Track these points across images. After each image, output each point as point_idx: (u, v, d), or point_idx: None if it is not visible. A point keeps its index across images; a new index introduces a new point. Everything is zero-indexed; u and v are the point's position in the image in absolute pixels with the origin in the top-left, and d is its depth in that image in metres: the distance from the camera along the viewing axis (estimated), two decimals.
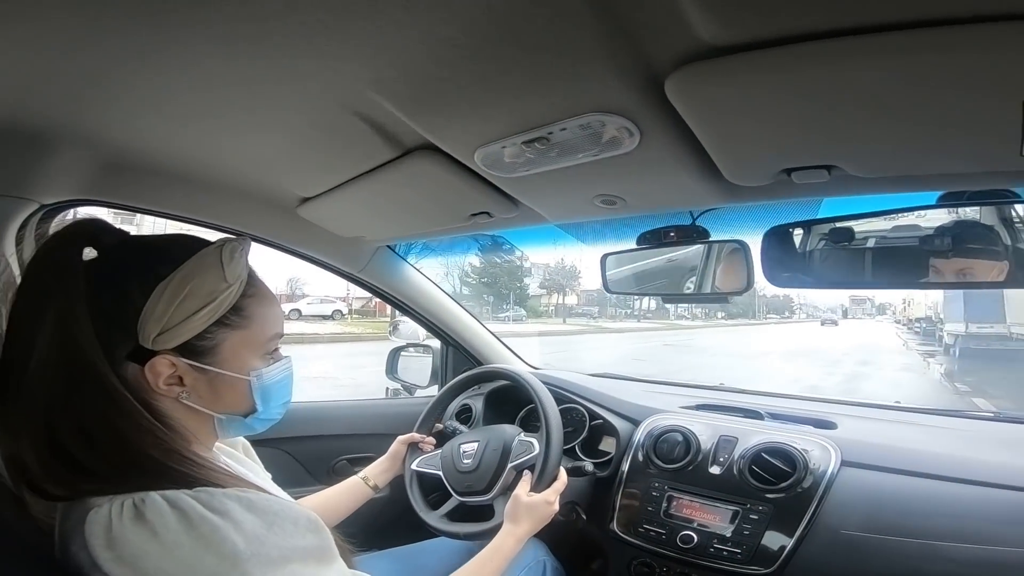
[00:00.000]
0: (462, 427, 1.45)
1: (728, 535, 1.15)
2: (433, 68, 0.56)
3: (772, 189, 0.80)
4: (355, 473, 1.21)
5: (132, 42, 0.54)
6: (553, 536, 1.28)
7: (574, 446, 1.44)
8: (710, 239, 0.95)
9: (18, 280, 0.58)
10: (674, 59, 0.54)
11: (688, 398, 1.54)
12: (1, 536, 0.56)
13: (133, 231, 0.63)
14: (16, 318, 0.55)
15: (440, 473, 1.25)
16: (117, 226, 0.62)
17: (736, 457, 1.21)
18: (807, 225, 0.88)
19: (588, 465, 1.29)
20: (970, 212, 0.80)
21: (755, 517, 1.14)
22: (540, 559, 1.22)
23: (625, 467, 1.34)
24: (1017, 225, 0.77)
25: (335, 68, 0.58)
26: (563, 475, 1.14)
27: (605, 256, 1.16)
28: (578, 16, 0.47)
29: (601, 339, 15.90)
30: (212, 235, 0.68)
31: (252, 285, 0.65)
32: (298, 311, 17.86)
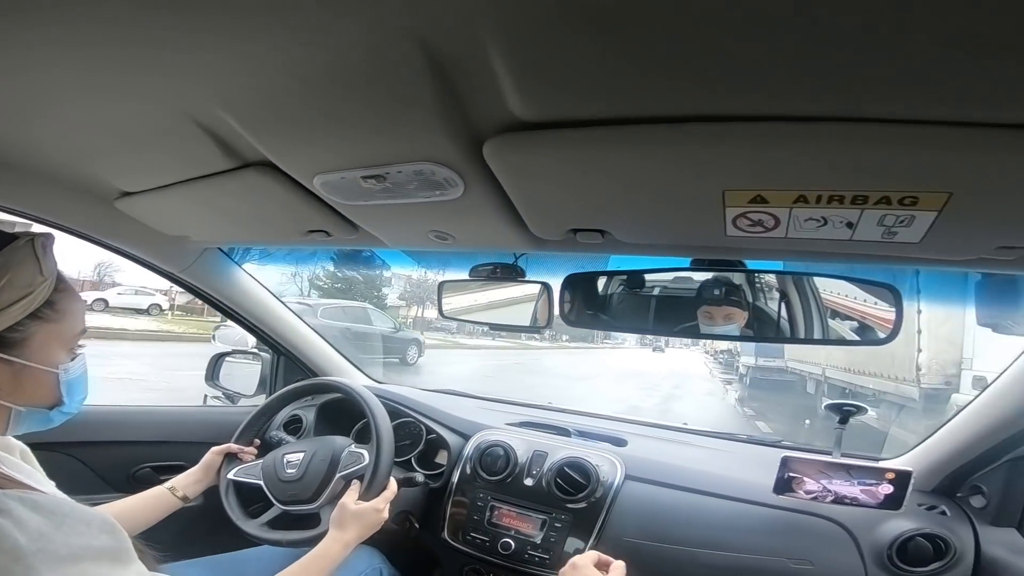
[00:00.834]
0: (289, 437, 1.43)
1: (539, 542, 1.28)
2: (280, 96, 0.58)
3: (565, 244, 0.91)
4: (161, 482, 1.15)
5: None
6: (390, 545, 1.34)
7: (410, 458, 1.49)
8: (525, 279, 1.07)
9: None
10: (492, 127, 0.61)
11: (515, 415, 1.68)
12: None
13: None
14: None
15: (260, 482, 1.23)
16: None
17: (545, 470, 1.36)
18: (603, 274, 1.03)
19: (419, 476, 1.35)
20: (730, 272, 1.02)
21: (559, 525, 1.28)
22: (376, 567, 1.26)
23: (455, 478, 1.43)
24: (755, 286, 1.01)
25: (179, 80, 0.58)
26: (393, 485, 1.18)
27: (442, 283, 1.23)
28: (418, 76, 0.52)
29: (457, 355, 16.05)
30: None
31: (61, 280, 0.66)
32: (104, 301, 15.14)
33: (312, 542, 1.03)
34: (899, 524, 1.14)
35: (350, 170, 0.73)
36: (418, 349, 12.19)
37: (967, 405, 1.16)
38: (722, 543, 1.20)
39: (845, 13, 0.36)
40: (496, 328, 1.23)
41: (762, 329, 0.98)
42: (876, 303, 0.91)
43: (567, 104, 0.53)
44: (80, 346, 0.71)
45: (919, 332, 5.92)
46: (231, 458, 1.29)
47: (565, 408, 1.85)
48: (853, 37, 0.38)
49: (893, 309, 0.86)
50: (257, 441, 1.39)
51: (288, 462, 1.23)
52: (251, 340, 1.83)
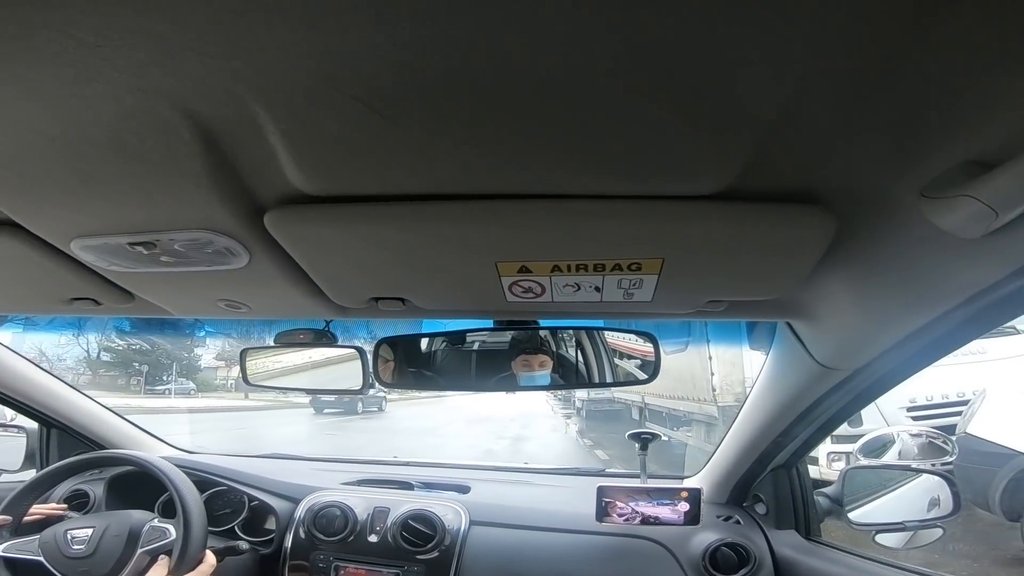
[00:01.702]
0: (70, 514, 1.30)
1: None
2: (25, 154, 0.51)
3: (368, 311, 0.90)
4: None
5: None
6: None
7: (232, 527, 1.42)
8: (337, 343, 1.07)
9: None
10: (274, 198, 0.59)
11: (352, 473, 1.66)
12: None
13: None
14: None
15: (41, 559, 1.11)
16: None
17: (389, 524, 1.37)
18: (416, 336, 1.08)
19: (243, 544, 1.29)
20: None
21: None
22: None
23: (288, 543, 1.38)
24: (557, 336, 1.15)
25: None
26: (210, 557, 1.12)
27: (244, 351, 1.17)
28: (186, 145, 0.48)
29: (290, 415, 14.61)
30: None
31: None
32: None
33: None
34: (706, 536, 1.31)
35: (114, 236, 0.65)
36: None
37: (732, 424, 1.37)
38: (564, 574, 1.30)
39: (567, 111, 0.42)
40: (313, 393, 1.19)
41: (567, 375, 1.11)
42: (647, 343, 1.09)
43: (347, 180, 0.53)
44: None
45: (710, 358, 6.96)
46: None
47: (407, 461, 1.86)
48: (573, 128, 0.44)
49: (652, 351, 1.06)
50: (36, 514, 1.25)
51: (73, 537, 1.12)
52: (9, 412, 1.61)
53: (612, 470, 1.87)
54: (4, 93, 0.42)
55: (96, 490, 1.41)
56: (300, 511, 1.43)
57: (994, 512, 3.44)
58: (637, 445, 1.48)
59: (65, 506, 1.24)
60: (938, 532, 1.31)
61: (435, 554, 1.33)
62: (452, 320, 1.00)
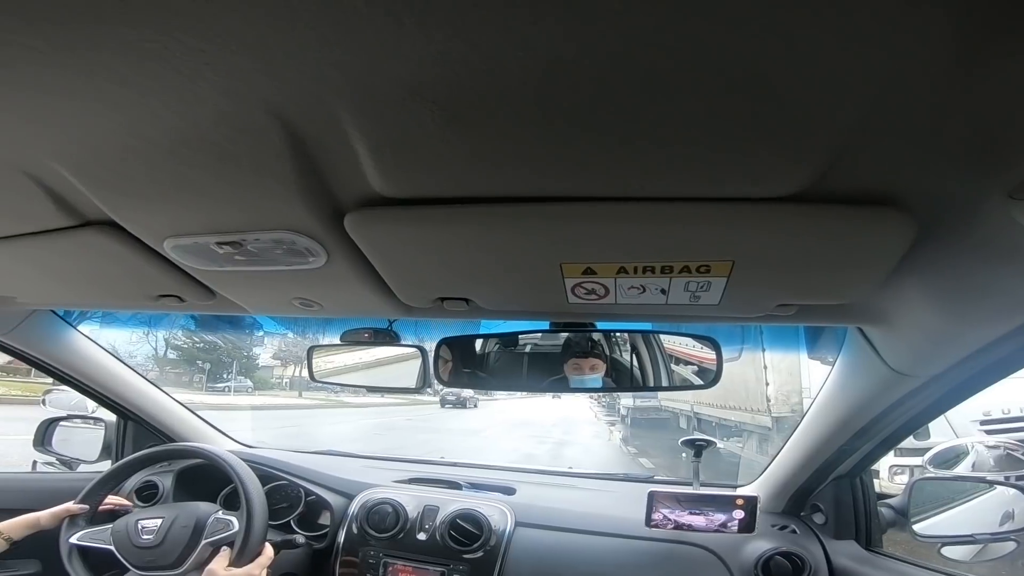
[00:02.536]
0: (139, 504, 1.38)
1: None
2: (127, 157, 0.55)
3: (433, 311, 0.93)
4: None
5: None
6: None
7: (288, 521, 1.46)
8: (400, 343, 1.10)
9: None
10: (353, 201, 0.61)
11: (402, 472, 1.69)
12: None
13: None
14: None
15: (111, 547, 1.17)
16: None
17: (438, 523, 1.38)
18: (474, 336, 1.09)
19: (300, 538, 1.33)
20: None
21: None
22: None
23: (341, 538, 1.41)
24: (611, 340, 1.14)
25: (11, 132, 0.53)
26: (268, 550, 1.16)
27: (312, 348, 1.22)
28: (276, 149, 0.51)
29: (341, 414, 15.10)
30: None
31: None
32: None
33: None
34: (759, 545, 1.28)
35: (204, 235, 0.69)
36: None
37: (793, 432, 1.33)
38: None
39: (640, 114, 0.43)
40: (373, 391, 1.23)
41: (620, 379, 1.10)
42: (711, 350, 1.07)
43: (423, 183, 0.55)
44: None
45: (765, 368, 6.73)
46: (71, 522, 1.21)
47: (455, 462, 1.88)
48: (646, 131, 0.45)
49: (715, 356, 1.03)
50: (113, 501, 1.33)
51: (143, 528, 1.18)
52: (91, 404, 1.70)
53: (661, 477, 1.83)
54: (119, 97, 0.45)
55: (165, 482, 1.47)
56: (354, 507, 1.46)
57: None
58: (691, 452, 1.44)
59: (129, 503, 1.31)
60: (1011, 546, 1.24)
61: (480, 554, 1.33)
62: (507, 321, 1.01)
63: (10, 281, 1.05)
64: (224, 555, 1.11)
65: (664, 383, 1.10)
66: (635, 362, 1.10)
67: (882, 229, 0.56)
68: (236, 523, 1.19)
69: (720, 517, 1.32)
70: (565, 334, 1.07)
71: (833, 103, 0.41)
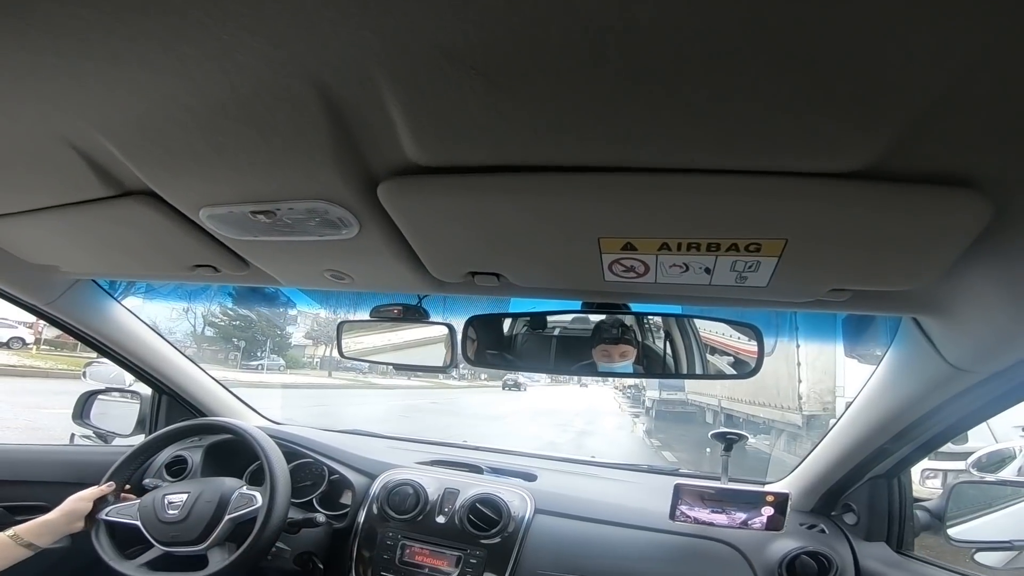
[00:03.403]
0: (168, 478, 1.39)
1: None
2: (164, 125, 0.56)
3: (463, 286, 0.91)
4: (17, 523, 1.09)
5: None
6: None
7: (311, 499, 1.47)
8: (428, 320, 1.08)
9: None
10: (387, 169, 0.61)
11: (425, 454, 1.68)
12: None
13: None
14: None
15: (137, 523, 1.18)
16: None
17: (457, 507, 1.37)
18: (503, 315, 1.07)
19: (320, 517, 1.33)
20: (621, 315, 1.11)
21: (474, 561, 1.30)
22: None
23: (361, 518, 1.41)
24: (644, 326, 1.10)
25: (54, 101, 0.54)
26: None
27: (342, 323, 1.22)
28: (313, 117, 0.51)
29: (369, 395, 15.45)
30: None
31: None
32: None
33: None
34: (785, 543, 1.24)
35: (239, 204, 0.70)
36: None
37: (829, 430, 1.28)
38: (630, 570, 1.26)
39: (694, 80, 0.41)
40: (400, 368, 1.22)
41: (651, 366, 1.06)
42: (750, 340, 1.02)
43: (459, 151, 0.55)
44: None
45: (799, 365, 6.57)
46: (101, 499, 1.23)
47: (477, 446, 1.87)
48: (699, 98, 0.43)
49: (755, 346, 0.98)
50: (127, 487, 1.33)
51: (170, 503, 1.19)
52: (128, 378, 1.73)
53: (686, 471, 1.78)
54: (161, 64, 0.46)
55: (194, 457, 1.49)
56: (376, 487, 1.46)
57: None
58: (721, 445, 1.39)
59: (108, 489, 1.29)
60: None
61: (498, 540, 1.32)
62: (540, 300, 0.98)
63: (53, 250, 1.08)
64: None
65: (698, 371, 1.05)
66: (668, 348, 1.06)
67: (953, 211, 0.52)
68: (259, 498, 1.19)
69: (745, 515, 1.28)
70: (595, 318, 1.04)
71: (912, 75, 0.38)
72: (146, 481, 1.42)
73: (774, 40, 0.36)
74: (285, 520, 1.18)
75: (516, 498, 1.39)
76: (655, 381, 12.12)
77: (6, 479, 1.43)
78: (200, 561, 1.15)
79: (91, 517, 1.20)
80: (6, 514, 1.38)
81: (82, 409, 1.73)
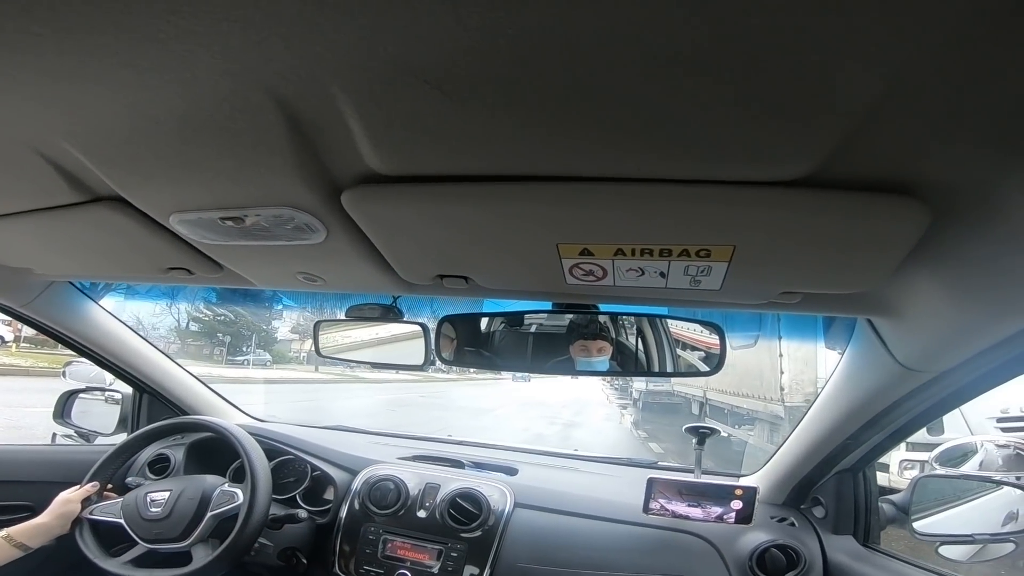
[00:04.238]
0: (151, 476, 1.41)
1: (436, 571, 1.31)
2: (132, 135, 0.56)
3: (433, 288, 0.93)
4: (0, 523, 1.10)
5: None
6: None
7: (294, 495, 1.49)
8: (403, 319, 1.10)
9: None
10: (350, 178, 0.62)
11: (407, 449, 1.71)
12: None
13: None
14: None
15: (120, 520, 1.20)
16: None
17: (438, 501, 1.40)
18: (476, 315, 1.08)
19: (302, 513, 1.36)
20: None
21: (455, 554, 1.33)
22: None
23: (344, 514, 1.44)
24: (617, 323, 1.12)
25: (19, 108, 0.54)
26: None
27: (318, 323, 1.24)
28: (273, 127, 0.52)
29: (356, 389, 15.38)
30: None
31: None
32: None
33: None
34: (756, 536, 1.28)
35: (208, 211, 0.71)
36: None
37: (798, 423, 1.31)
38: (605, 563, 1.29)
39: (638, 93, 0.42)
40: (377, 367, 1.24)
41: (625, 363, 1.09)
42: (713, 334, 1.05)
43: (418, 161, 0.56)
44: None
45: (781, 356, 6.65)
46: (86, 498, 1.24)
47: (460, 440, 1.90)
48: (644, 110, 0.44)
49: (717, 341, 1.01)
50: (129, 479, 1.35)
51: (152, 500, 1.20)
52: (108, 377, 1.73)
53: (665, 463, 1.82)
54: (121, 78, 0.46)
55: (177, 455, 1.51)
56: (357, 483, 1.49)
57: None
58: (694, 439, 1.43)
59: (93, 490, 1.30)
60: (1009, 547, 1.22)
61: (478, 533, 1.35)
62: (512, 301, 1.00)
63: (26, 254, 1.08)
64: None
65: (669, 368, 1.09)
66: (640, 346, 1.09)
67: (893, 216, 0.54)
68: (241, 495, 1.21)
69: (717, 509, 1.31)
70: (570, 316, 1.06)
71: (843, 83, 0.40)
72: (129, 479, 1.43)
73: (713, 54, 0.38)
74: (267, 516, 1.21)
75: (496, 492, 1.42)
76: None
77: None
78: (184, 558, 1.17)
79: (77, 517, 1.21)
80: None
81: (63, 408, 1.73)
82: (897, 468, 4.19)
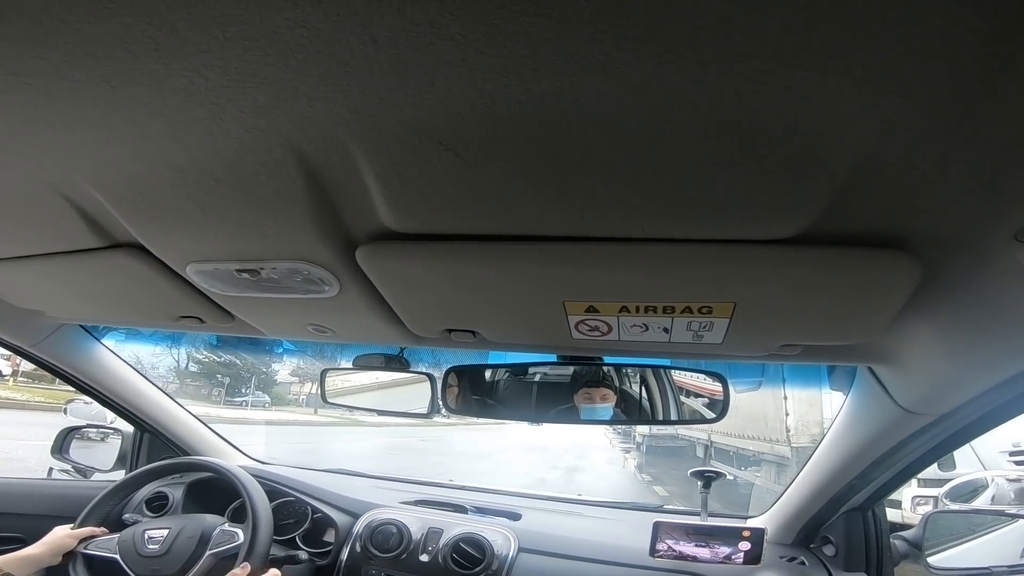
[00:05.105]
0: (148, 514, 1.40)
1: None
2: (156, 183, 0.57)
3: (441, 341, 0.94)
4: None
5: None
6: None
7: (293, 537, 1.48)
8: (409, 369, 1.12)
9: None
10: (365, 234, 0.64)
11: (410, 493, 1.69)
12: None
13: None
14: None
15: (117, 556, 1.19)
16: None
17: (441, 546, 1.38)
18: (482, 366, 1.10)
19: (302, 554, 1.35)
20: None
21: None
22: None
23: (344, 556, 1.42)
24: (621, 372, 1.13)
25: (47, 152, 0.55)
26: (274, 572, 1.17)
27: (325, 371, 1.26)
28: (293, 182, 0.54)
29: (356, 432, 15.12)
30: None
31: None
32: None
33: None
34: None
35: (224, 262, 0.72)
36: None
37: (806, 464, 1.31)
38: None
39: (640, 158, 0.44)
40: (383, 414, 1.25)
41: (629, 411, 1.09)
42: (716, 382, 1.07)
43: (431, 219, 0.58)
44: None
45: (785, 398, 6.58)
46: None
47: (462, 485, 1.88)
48: (647, 174, 0.46)
49: (721, 389, 1.02)
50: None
51: (150, 537, 1.20)
52: (110, 415, 1.76)
53: (670, 507, 1.80)
54: (150, 127, 0.48)
55: (175, 493, 1.50)
56: (359, 526, 1.48)
57: None
58: (700, 483, 1.43)
59: (99, 531, 1.30)
60: None
61: None
62: (517, 352, 1.02)
63: (40, 296, 1.09)
64: (241, 572, 1.11)
65: (673, 417, 1.09)
66: (644, 394, 1.10)
67: (886, 271, 0.56)
68: (241, 535, 1.21)
69: (725, 549, 1.30)
70: (574, 366, 1.07)
71: (831, 146, 0.42)
72: (126, 516, 1.42)
73: (706, 120, 0.40)
74: (267, 556, 1.20)
75: (500, 537, 1.40)
76: None
77: None
78: None
79: (70, 551, 1.20)
80: None
81: (61, 444, 1.75)
82: (910, 504, 4.10)
